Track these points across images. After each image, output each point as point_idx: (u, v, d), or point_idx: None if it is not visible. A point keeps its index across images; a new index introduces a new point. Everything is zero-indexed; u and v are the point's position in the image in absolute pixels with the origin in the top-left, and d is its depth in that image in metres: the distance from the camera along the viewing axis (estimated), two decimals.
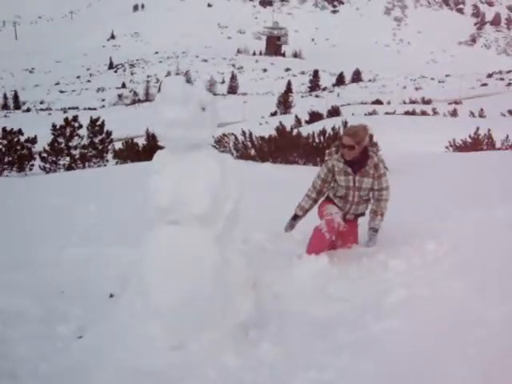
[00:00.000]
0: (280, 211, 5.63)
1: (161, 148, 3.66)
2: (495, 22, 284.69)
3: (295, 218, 5.25)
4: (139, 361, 3.19)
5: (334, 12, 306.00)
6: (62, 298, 4.32)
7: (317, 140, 13.54)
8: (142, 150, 17.13)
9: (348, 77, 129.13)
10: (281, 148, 13.71)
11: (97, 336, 3.50)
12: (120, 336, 3.41)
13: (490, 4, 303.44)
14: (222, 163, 3.52)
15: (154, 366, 3.17)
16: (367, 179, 4.98)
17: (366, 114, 35.55)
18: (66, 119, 17.82)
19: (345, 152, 4.91)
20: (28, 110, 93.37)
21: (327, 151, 5.25)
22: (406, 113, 36.15)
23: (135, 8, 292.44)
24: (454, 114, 39.54)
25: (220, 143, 15.65)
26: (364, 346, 3.23)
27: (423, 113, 36.53)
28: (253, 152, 14.52)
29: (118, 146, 19.25)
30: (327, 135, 13.56)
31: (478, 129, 16.54)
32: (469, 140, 16.43)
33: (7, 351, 3.42)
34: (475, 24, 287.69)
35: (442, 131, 19.24)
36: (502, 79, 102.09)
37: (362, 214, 5.28)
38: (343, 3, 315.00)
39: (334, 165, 5.03)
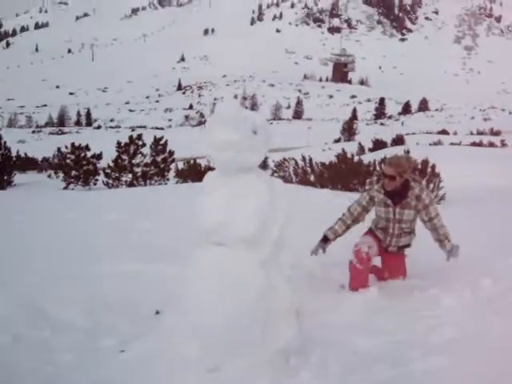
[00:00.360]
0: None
1: (212, 169, 3.70)
2: None
3: (325, 241, 5.07)
4: (174, 381, 3.19)
5: (403, 40, 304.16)
6: (109, 312, 4.40)
7: (378, 168, 13.38)
8: (204, 171, 17.38)
9: (414, 106, 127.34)
10: (341, 175, 13.64)
11: (137, 352, 3.54)
12: (159, 354, 3.43)
13: None
14: (272, 187, 3.52)
15: None
16: (408, 211, 4.81)
17: (430, 144, 34.87)
18: (130, 137, 18.37)
19: (385, 182, 4.75)
20: (99, 127, 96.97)
21: (368, 180, 5.14)
22: (473, 144, 35.22)
23: (205, 32, 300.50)
24: None
25: (280, 167, 15.72)
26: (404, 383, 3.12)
27: (491, 144, 35.48)
28: (312, 178, 14.51)
29: (181, 165, 19.63)
30: None
31: None
32: None
33: (50, 358, 3.51)
34: None
35: (510, 164, 18.59)
36: None
37: (407, 246, 5.13)
38: (412, 31, 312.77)
39: (374, 196, 4.91)
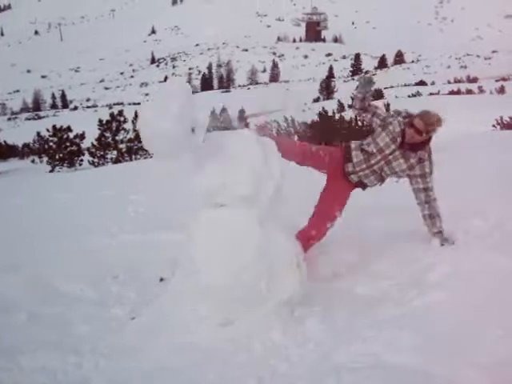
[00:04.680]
0: None
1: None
2: None
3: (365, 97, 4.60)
4: (189, 338, 3.35)
5: None
6: (115, 283, 4.53)
7: (360, 123, 13.47)
8: None
9: (390, 59, 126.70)
10: (324, 133, 13.70)
11: (148, 317, 3.68)
12: (170, 316, 3.58)
13: None
14: (264, 146, 3.62)
15: (203, 343, 3.32)
16: (402, 162, 4.47)
17: (409, 96, 34.94)
18: (111, 114, 18.27)
19: (409, 132, 4.38)
20: (75, 108, 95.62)
21: (394, 110, 4.70)
22: (451, 92, 35.39)
23: (174, 2, 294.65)
24: (501, 91, 38.37)
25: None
26: (408, 320, 3.29)
27: (468, 92, 35.65)
28: (296, 138, 14.57)
29: None
30: None
31: None
32: None
33: (70, 331, 3.64)
34: None
35: (488, 109, 18.74)
36: None
37: (364, 186, 4.72)
38: None
39: (391, 122, 4.48)
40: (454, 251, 4.21)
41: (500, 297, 3.34)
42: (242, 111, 34.90)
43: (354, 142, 4.68)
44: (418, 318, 3.30)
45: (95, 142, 17.83)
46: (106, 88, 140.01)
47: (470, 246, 4.27)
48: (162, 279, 4.55)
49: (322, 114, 15.43)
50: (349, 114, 17.22)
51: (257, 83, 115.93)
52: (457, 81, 57.23)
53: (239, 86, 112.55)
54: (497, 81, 53.51)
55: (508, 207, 5.04)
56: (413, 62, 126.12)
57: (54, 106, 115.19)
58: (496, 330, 2.95)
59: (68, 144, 18.61)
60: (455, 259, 4.02)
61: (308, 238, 4.42)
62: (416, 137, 4.38)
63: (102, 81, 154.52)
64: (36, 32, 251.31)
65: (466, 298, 3.40)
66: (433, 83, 56.88)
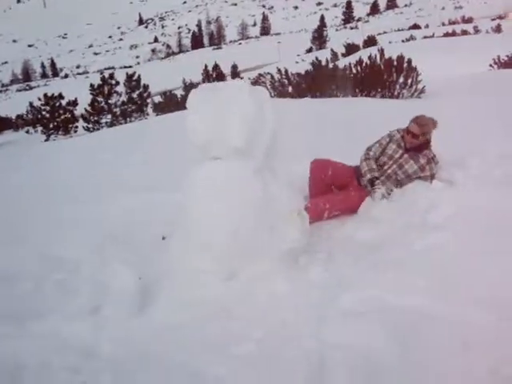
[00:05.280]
0: (322, 142, 5.63)
1: (192, 88, 3.71)
2: None
3: (375, 180, 4.72)
4: (193, 294, 3.35)
5: None
6: (118, 245, 4.52)
7: (354, 71, 13.32)
8: (181, 100, 17.21)
9: (383, 4, 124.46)
10: (318, 82, 13.57)
11: (153, 275, 3.68)
12: (174, 273, 3.58)
13: None
14: (256, 95, 3.55)
15: (207, 297, 3.32)
16: (413, 163, 4.71)
17: (403, 41, 34.49)
18: (102, 78, 18.06)
19: (407, 138, 4.74)
20: (66, 76, 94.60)
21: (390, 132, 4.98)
22: (446, 34, 34.86)
23: None
24: (497, 30, 37.82)
25: (256, 84, 15.56)
26: (409, 263, 3.29)
27: (464, 32, 35.12)
28: (290, 89, 14.44)
29: (158, 99, 19.40)
30: (364, 64, 13.29)
31: None
32: None
33: (75, 295, 3.63)
34: None
35: (485, 49, 18.50)
36: None
37: (385, 194, 4.70)
38: None
39: (392, 135, 4.88)
40: (454, 192, 4.19)
41: (498, 237, 3.34)
42: (234, 66, 34.44)
43: (364, 162, 4.87)
44: (419, 259, 3.31)
45: (88, 108, 17.66)
46: (96, 53, 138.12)
47: (469, 186, 4.26)
48: (163, 238, 4.54)
49: (316, 64, 15.23)
50: (342, 62, 17.02)
51: (248, 38, 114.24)
52: (451, 22, 56.31)
53: (230, 41, 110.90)
54: (493, 19, 52.70)
55: (505, 145, 5.01)
56: (405, 5, 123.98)
57: (44, 76, 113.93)
58: (494, 270, 2.96)
59: (61, 112, 18.44)
60: (454, 200, 4.01)
61: (319, 212, 4.52)
62: (414, 141, 4.73)
63: (90, 46, 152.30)
64: (18, 0, 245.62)
65: (467, 239, 3.40)
66: (427, 26, 55.96)
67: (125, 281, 3.81)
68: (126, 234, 4.68)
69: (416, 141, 4.72)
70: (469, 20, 56.66)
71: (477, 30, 38.04)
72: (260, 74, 16.17)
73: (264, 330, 2.96)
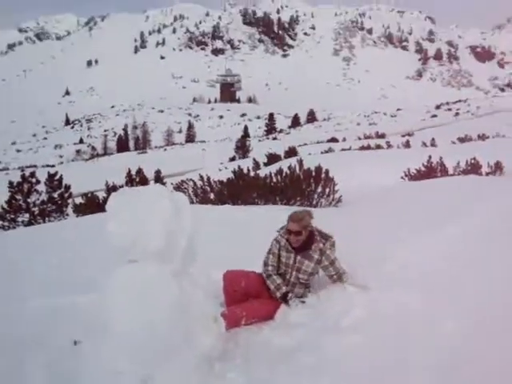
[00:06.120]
0: (241, 249, 5.73)
1: (115, 190, 3.77)
2: (438, 56, 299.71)
3: (286, 295, 4.74)
4: None
5: (285, 56, 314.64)
6: (25, 349, 4.30)
7: (274, 180, 13.79)
8: (103, 202, 17.04)
9: (303, 118, 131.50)
10: (239, 190, 13.90)
11: (66, 381, 3.52)
12: (90, 378, 3.45)
13: (431, 40, 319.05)
14: (175, 200, 3.65)
15: None
16: (308, 262, 4.78)
17: (322, 152, 36.17)
18: (22, 175, 17.68)
19: (292, 238, 4.77)
20: None
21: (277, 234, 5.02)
22: (362, 148, 36.94)
23: (89, 63, 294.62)
24: (407, 145, 40.62)
25: (179, 190, 15.76)
26: (324, 367, 3.35)
27: (378, 146, 37.38)
28: (212, 196, 14.68)
29: (79, 201, 19.14)
30: (284, 174, 13.84)
31: (430, 157, 17.10)
32: (423, 169, 16.96)
33: None
34: (419, 59, 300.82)
35: (397, 162, 19.70)
36: (449, 109, 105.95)
37: (299, 298, 4.80)
38: (293, 47, 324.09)
39: (279, 240, 4.90)
40: (367, 295, 4.35)
41: (411, 336, 3.48)
42: (158, 171, 34.79)
43: (268, 280, 4.87)
44: (334, 363, 3.37)
45: (5, 205, 17.13)
46: (18, 150, 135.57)
47: (381, 289, 4.43)
48: (75, 343, 4.37)
49: (238, 172, 15.70)
50: (264, 171, 17.62)
51: (173, 144, 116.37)
52: (367, 137, 59.94)
53: (155, 147, 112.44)
54: (402, 136, 56.68)
55: (413, 249, 5.32)
56: (324, 119, 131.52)
57: None
58: (413, 368, 3.06)
59: None
60: (368, 303, 4.16)
61: (236, 319, 4.48)
62: (299, 237, 4.75)
63: (13, 143, 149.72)
64: None
65: (379, 342, 3.51)
66: (344, 139, 59.24)
67: None
68: (36, 337, 4.46)
69: (301, 237, 4.73)
70: (382, 135, 60.54)
71: (389, 145, 40.60)
72: (183, 180, 16.44)
73: None
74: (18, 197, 17.14)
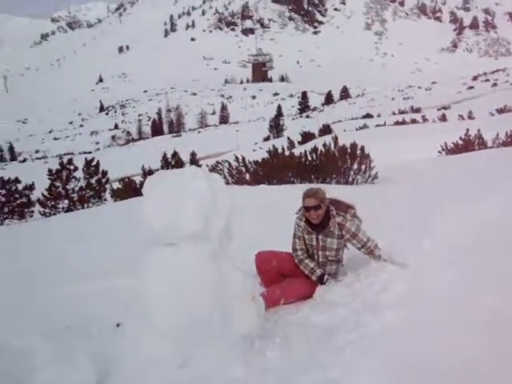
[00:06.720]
0: (278, 229, 5.72)
1: (151, 174, 3.79)
2: (474, 26, 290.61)
3: (322, 277, 4.77)
4: (148, 381, 3.27)
5: (316, 33, 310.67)
6: (70, 333, 4.41)
7: (309, 158, 13.70)
8: (140, 186, 17.24)
9: (336, 95, 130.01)
10: (275, 169, 13.87)
11: (107, 363, 3.59)
12: (129, 360, 3.50)
13: (466, 9, 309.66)
14: (211, 182, 3.64)
15: None
16: (331, 240, 4.78)
17: (357, 129, 35.80)
18: (61, 163, 18.02)
19: (311, 215, 4.71)
20: (24, 161, 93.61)
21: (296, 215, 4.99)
22: (396, 123, 36.44)
23: (120, 49, 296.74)
24: (443, 119, 39.85)
25: (214, 171, 15.80)
26: (365, 344, 3.33)
27: (413, 121, 36.82)
28: (247, 176, 14.69)
29: (116, 186, 19.41)
30: (319, 152, 13.73)
31: (467, 130, 16.77)
32: (460, 142, 16.64)
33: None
34: (454, 30, 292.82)
35: (433, 137, 19.38)
36: (487, 80, 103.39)
37: (334, 275, 4.90)
38: (323, 23, 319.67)
39: (298, 224, 4.90)
40: (406, 272, 4.31)
41: (451, 314, 3.43)
42: (193, 154, 34.97)
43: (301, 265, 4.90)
44: (374, 341, 3.35)
45: (45, 193, 17.51)
46: (56, 138, 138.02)
47: (420, 266, 4.38)
48: (118, 325, 4.46)
49: (272, 152, 15.66)
50: (299, 150, 17.53)
51: (207, 126, 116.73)
52: (401, 112, 59.05)
53: (189, 129, 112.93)
54: (438, 109, 55.60)
55: (452, 225, 5.22)
56: (358, 96, 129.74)
57: (1, 159, 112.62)
58: (445, 348, 3.02)
59: (17, 196, 18.20)
60: (408, 280, 4.12)
61: (275, 299, 4.56)
62: (319, 211, 4.69)
63: (50, 131, 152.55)
64: None
65: (420, 318, 3.47)
66: (379, 115, 58.50)
67: (80, 369, 3.71)
68: (80, 321, 4.58)
69: (321, 211, 4.67)
70: (417, 110, 59.53)
71: (425, 119, 39.92)
72: (218, 162, 16.48)
73: None
74: (58, 184, 17.49)
